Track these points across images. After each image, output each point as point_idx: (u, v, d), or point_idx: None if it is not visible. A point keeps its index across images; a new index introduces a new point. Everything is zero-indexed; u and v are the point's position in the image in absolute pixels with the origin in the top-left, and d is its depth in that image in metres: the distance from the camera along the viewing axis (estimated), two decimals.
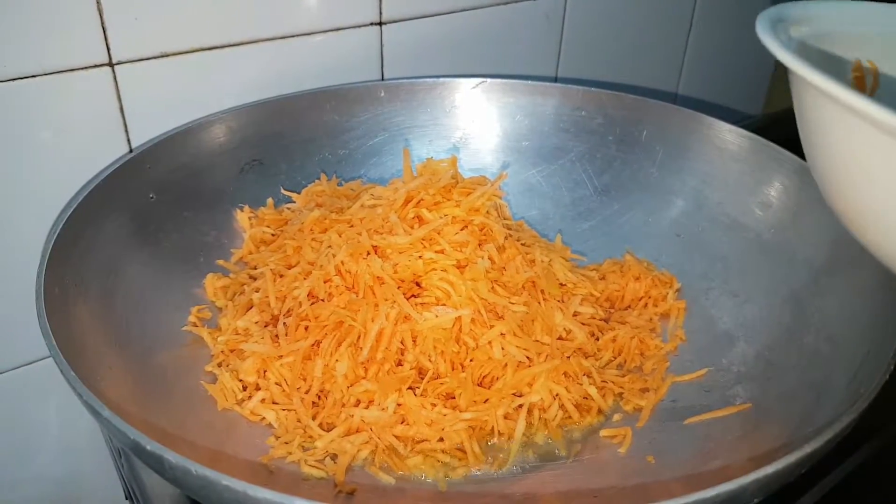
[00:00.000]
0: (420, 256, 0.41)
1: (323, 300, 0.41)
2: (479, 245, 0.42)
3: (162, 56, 0.46)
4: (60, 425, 0.52)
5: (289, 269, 0.43)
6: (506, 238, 0.43)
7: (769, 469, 0.26)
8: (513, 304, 0.41)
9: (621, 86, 0.73)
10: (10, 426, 0.50)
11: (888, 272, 0.34)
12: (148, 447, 0.27)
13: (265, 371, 0.39)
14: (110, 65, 0.44)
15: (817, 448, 0.27)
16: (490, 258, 0.42)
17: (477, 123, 0.55)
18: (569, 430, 0.39)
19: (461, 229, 0.43)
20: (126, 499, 0.47)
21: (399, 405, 0.38)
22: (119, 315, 0.39)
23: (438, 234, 0.42)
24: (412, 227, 0.42)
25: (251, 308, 0.43)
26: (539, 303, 0.42)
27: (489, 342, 0.39)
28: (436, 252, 0.41)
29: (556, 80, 0.68)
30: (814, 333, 0.39)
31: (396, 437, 0.37)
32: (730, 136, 0.49)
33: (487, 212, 0.43)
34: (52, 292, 0.34)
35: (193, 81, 0.48)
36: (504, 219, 0.45)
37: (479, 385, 0.39)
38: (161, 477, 0.28)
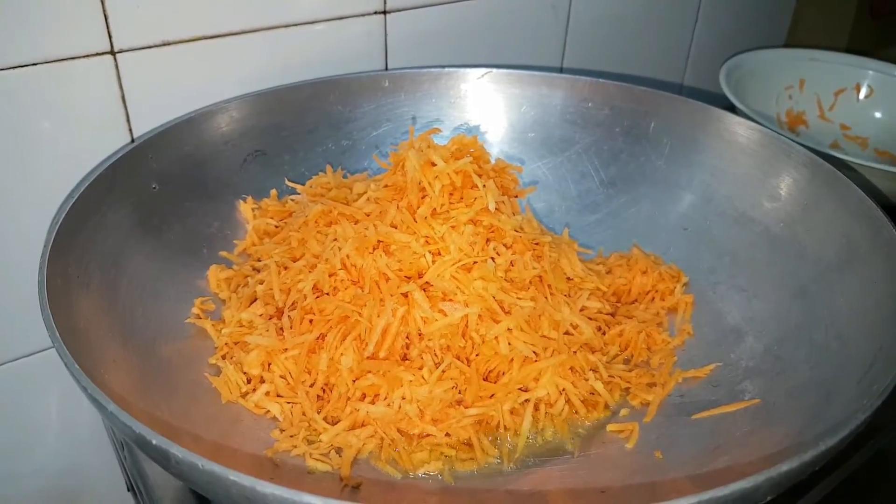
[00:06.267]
0: (426, 252, 0.41)
1: (328, 294, 0.40)
2: (487, 242, 0.42)
3: (164, 44, 0.45)
4: (61, 417, 0.52)
5: (293, 261, 0.43)
6: (514, 239, 0.43)
7: (783, 467, 0.26)
8: (520, 299, 0.40)
9: (626, 76, 0.72)
10: (10, 418, 0.50)
11: None
12: (154, 441, 0.26)
13: (270, 364, 0.39)
14: (112, 53, 0.44)
15: (832, 445, 0.27)
16: (498, 254, 0.41)
17: (482, 114, 0.55)
18: (575, 425, 0.39)
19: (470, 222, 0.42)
20: (128, 490, 0.47)
21: (404, 399, 0.37)
22: (122, 306, 0.38)
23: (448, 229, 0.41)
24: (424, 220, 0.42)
25: (255, 300, 0.42)
26: (546, 298, 0.42)
27: (496, 337, 0.39)
28: (442, 249, 0.41)
29: (561, 70, 0.67)
30: (823, 329, 0.39)
31: (401, 431, 0.37)
32: (739, 128, 0.49)
33: (498, 208, 0.42)
34: (54, 283, 0.34)
35: (196, 70, 0.47)
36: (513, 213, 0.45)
37: (486, 380, 0.39)
38: (166, 471, 0.28)
